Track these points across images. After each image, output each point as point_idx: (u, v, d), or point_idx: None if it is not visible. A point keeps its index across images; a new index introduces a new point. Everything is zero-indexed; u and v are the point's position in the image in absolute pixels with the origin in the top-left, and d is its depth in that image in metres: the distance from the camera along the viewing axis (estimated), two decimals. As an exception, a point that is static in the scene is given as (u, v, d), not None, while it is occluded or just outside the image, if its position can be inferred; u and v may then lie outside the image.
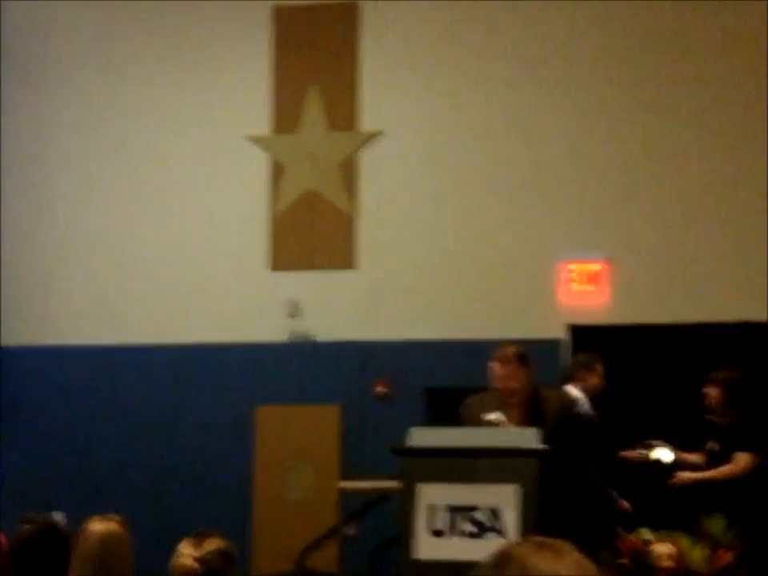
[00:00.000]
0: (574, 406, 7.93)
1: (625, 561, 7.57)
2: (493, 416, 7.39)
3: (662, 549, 7.47)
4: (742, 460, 8.35)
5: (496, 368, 7.45)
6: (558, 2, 10.75)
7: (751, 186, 10.36)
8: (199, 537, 4.80)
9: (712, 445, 8.57)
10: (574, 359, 9.13)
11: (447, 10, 11.00)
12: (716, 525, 7.58)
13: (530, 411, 7.42)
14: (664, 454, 8.79)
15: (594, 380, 8.87)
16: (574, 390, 8.77)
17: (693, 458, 8.76)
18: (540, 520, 6.94)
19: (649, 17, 10.63)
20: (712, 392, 8.50)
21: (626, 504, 8.84)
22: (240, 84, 11.42)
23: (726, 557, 7.47)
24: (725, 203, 10.41)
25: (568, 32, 10.76)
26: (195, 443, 11.13)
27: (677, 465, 8.78)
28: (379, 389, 10.97)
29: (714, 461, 8.51)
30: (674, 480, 8.46)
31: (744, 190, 10.38)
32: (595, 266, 10.61)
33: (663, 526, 7.66)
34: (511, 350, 7.48)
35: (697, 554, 7.44)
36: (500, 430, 7.37)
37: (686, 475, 8.46)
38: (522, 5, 10.83)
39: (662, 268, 10.50)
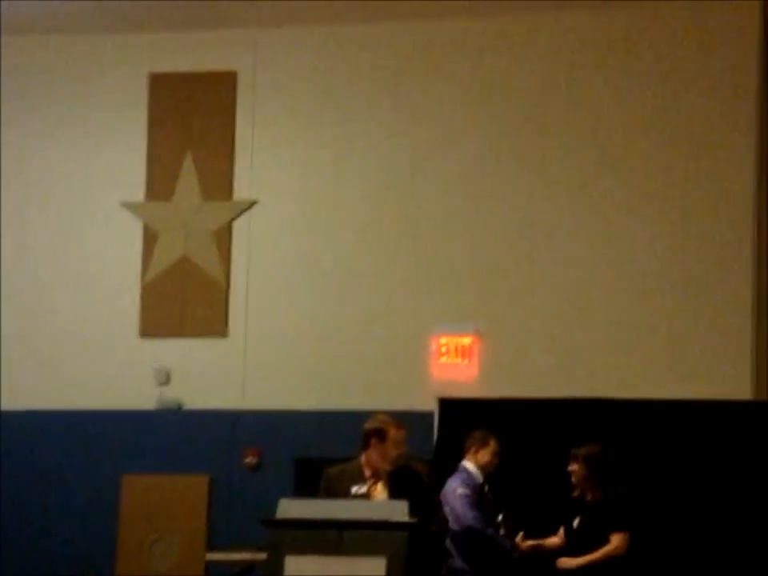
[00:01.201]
0: (433, 477, 7.98)
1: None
2: (356, 488, 7.42)
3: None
4: (618, 539, 8.46)
5: (401, 434, 7.53)
6: (427, 74, 10.94)
7: (615, 265, 10.59)
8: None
9: (577, 522, 8.65)
10: (470, 435, 9.19)
11: (325, 82, 11.11)
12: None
13: (397, 482, 7.46)
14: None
15: (486, 457, 8.93)
16: (468, 465, 8.89)
17: (552, 540, 8.84)
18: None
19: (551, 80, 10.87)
20: (575, 468, 8.61)
21: (524, 543, 8.84)
22: (116, 150, 11.36)
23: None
24: (592, 281, 10.61)
25: (453, 88, 10.92)
26: (60, 511, 10.92)
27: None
28: (248, 459, 10.90)
29: (580, 539, 8.59)
30: (559, 566, 8.49)
31: (608, 265, 10.59)
32: (466, 340, 10.72)
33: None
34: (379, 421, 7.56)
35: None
36: (369, 503, 7.38)
37: (570, 562, 8.50)
38: (404, 62, 10.99)
39: (530, 342, 10.64)
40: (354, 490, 7.41)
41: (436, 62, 10.97)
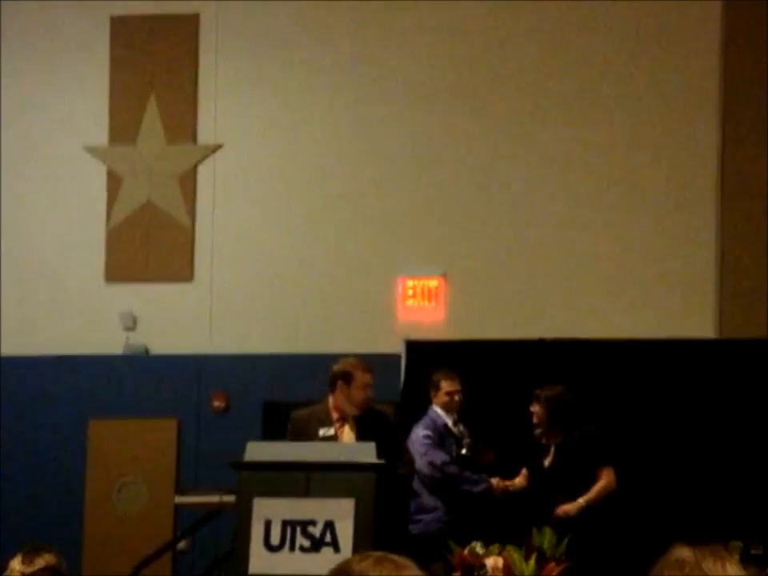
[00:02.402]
0: (398, 419, 8.05)
1: (457, 574, 7.67)
2: (324, 431, 7.47)
3: (493, 562, 7.59)
4: (607, 474, 8.53)
5: (368, 378, 7.56)
6: (400, 10, 10.88)
7: (579, 203, 10.62)
8: (31, 553, 4.74)
9: (549, 461, 8.71)
10: (430, 378, 9.23)
11: (289, 22, 11.03)
12: (545, 538, 7.72)
13: (364, 425, 7.51)
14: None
15: (442, 398, 8.97)
16: (433, 407, 8.95)
17: (517, 481, 8.90)
18: (375, 534, 7.00)
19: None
20: (536, 409, 8.67)
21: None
22: (78, 94, 11.27)
23: (556, 570, 7.62)
24: (557, 220, 10.64)
25: (417, 39, 10.87)
26: (27, 457, 10.91)
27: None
28: (216, 403, 10.92)
29: (543, 478, 8.66)
30: (560, 514, 8.51)
31: (573, 203, 10.62)
32: (432, 282, 10.75)
33: (494, 539, 7.78)
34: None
35: (526, 568, 7.57)
36: (337, 445, 7.43)
37: (570, 507, 8.53)
38: (367, 12, 10.92)
39: (495, 284, 10.68)
40: (322, 432, 7.46)
41: (402, 5, 10.92)
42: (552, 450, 8.68)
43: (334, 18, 11.00)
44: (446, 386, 9.02)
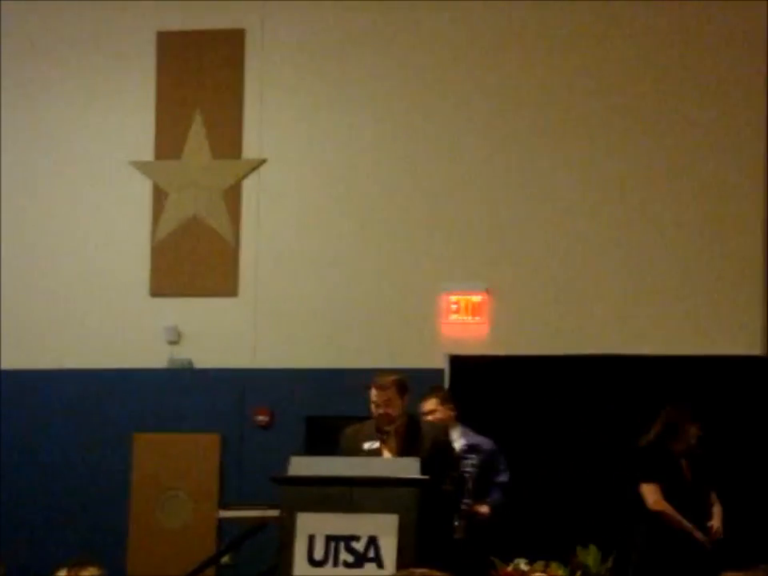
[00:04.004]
0: (447, 436, 7.97)
1: (502, 591, 7.63)
2: (368, 444, 7.44)
3: (538, 579, 7.54)
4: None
5: (374, 394, 7.49)
6: (450, 22, 10.88)
7: (626, 221, 10.56)
8: (76, 566, 4.76)
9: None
10: None
11: (334, 39, 11.06)
12: (590, 556, 7.67)
13: (408, 440, 7.47)
14: None
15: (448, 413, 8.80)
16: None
17: (482, 509, 8.67)
18: (418, 550, 6.98)
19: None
20: (695, 429, 8.43)
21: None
22: (124, 110, 11.34)
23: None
24: (604, 237, 10.59)
25: (466, 53, 10.86)
26: (72, 471, 10.97)
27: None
28: (259, 417, 10.94)
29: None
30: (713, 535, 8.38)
31: (619, 222, 10.57)
32: (476, 297, 10.72)
33: (539, 556, 7.74)
34: (390, 377, 7.52)
35: (571, 585, 7.53)
36: (380, 460, 7.40)
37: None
38: (415, 25, 10.93)
39: (540, 299, 10.63)
40: (366, 446, 7.43)
41: (449, 16, 10.91)
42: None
43: (380, 31, 11.02)
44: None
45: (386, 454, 7.42)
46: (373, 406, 7.42)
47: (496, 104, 10.81)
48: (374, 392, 7.46)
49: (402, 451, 7.37)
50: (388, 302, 10.79)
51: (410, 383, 7.62)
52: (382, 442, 7.43)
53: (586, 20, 10.72)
